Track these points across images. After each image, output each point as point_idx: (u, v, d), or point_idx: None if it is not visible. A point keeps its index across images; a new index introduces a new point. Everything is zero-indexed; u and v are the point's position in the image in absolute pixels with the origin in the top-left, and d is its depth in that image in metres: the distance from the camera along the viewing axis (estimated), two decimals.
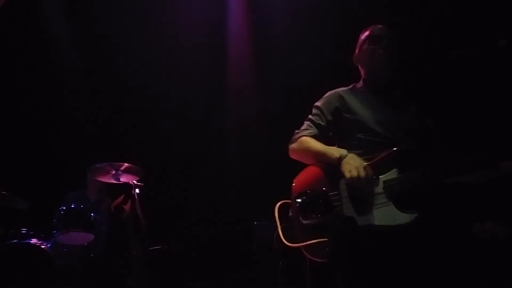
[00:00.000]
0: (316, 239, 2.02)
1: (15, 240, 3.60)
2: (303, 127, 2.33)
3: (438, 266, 2.12)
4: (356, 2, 4.12)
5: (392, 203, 2.00)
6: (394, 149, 2.08)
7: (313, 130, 2.28)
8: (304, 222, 2.07)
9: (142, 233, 4.06)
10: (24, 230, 3.69)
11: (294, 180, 2.21)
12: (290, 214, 2.16)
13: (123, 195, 4.18)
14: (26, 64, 4.73)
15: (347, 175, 2.01)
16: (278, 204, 2.22)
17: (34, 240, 3.65)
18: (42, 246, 3.65)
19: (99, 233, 4.01)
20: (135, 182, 4.10)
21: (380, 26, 2.34)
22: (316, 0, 4.42)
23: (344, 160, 2.06)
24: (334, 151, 2.13)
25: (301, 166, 2.29)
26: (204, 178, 4.97)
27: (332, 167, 2.11)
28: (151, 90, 5.03)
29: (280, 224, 2.17)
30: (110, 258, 4.00)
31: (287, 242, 2.10)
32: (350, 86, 2.36)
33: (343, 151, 2.11)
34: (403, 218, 1.97)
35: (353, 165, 2.02)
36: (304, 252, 2.06)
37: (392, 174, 2.05)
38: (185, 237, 4.64)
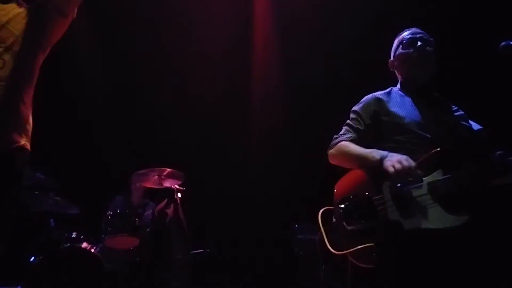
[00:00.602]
0: (361, 244, 1.98)
1: (67, 244, 3.75)
2: (341, 132, 2.30)
3: (488, 271, 2.03)
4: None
5: (438, 205, 1.93)
6: (438, 149, 2.02)
7: (352, 135, 2.25)
8: (349, 228, 2.03)
9: (185, 237, 4.14)
10: (74, 235, 3.83)
11: (335, 186, 2.18)
12: (334, 220, 2.13)
13: (166, 200, 4.28)
14: (69, 73, 4.89)
15: (390, 169, 1.95)
16: (321, 210, 2.20)
17: (84, 244, 3.78)
18: (92, 250, 3.79)
19: (143, 238, 4.11)
20: (177, 186, 4.20)
21: (414, 28, 2.31)
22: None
23: (386, 159, 2.01)
24: (375, 153, 2.09)
25: (341, 170, 2.26)
26: (244, 181, 5.00)
27: (374, 170, 2.06)
28: (187, 97, 5.09)
29: (325, 231, 2.15)
30: (155, 262, 4.08)
31: (333, 249, 2.07)
32: (388, 90, 2.33)
33: (384, 152, 2.06)
34: (451, 220, 1.90)
35: (395, 159, 1.97)
36: (350, 258, 2.03)
37: (436, 175, 1.98)
38: (227, 240, 4.68)
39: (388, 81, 2.38)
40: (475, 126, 2.26)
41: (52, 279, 3.45)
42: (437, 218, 1.91)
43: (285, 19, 4.81)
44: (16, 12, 2.04)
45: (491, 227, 2.12)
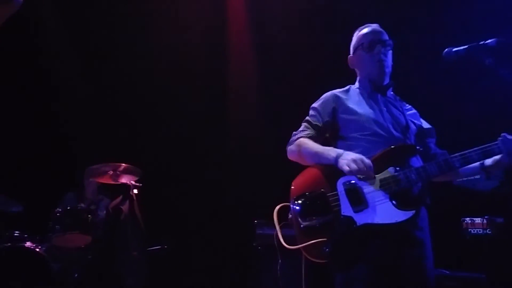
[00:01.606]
0: (315, 239, 2.02)
1: (8, 244, 3.55)
2: (300, 129, 2.34)
3: (430, 262, 2.10)
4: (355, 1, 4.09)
5: (389, 201, 2.02)
6: (390, 147, 2.11)
7: (310, 132, 2.29)
8: (303, 223, 2.07)
9: (140, 234, 4.03)
10: (17, 233, 3.64)
11: (292, 183, 2.22)
12: (290, 216, 2.16)
13: (121, 196, 4.16)
14: (20, 63, 4.69)
15: (345, 168, 2.02)
16: (277, 207, 2.21)
17: (28, 243, 3.59)
18: (37, 249, 3.60)
19: (96, 235, 3.97)
20: (133, 182, 4.09)
21: (373, 27, 2.36)
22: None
23: (341, 157, 2.07)
24: (331, 151, 2.15)
25: (301, 166, 2.28)
26: (204, 177, 4.94)
27: (329, 167, 2.12)
28: (149, 89, 4.99)
29: (281, 227, 2.17)
30: (109, 260, 3.95)
31: (288, 244, 2.09)
32: (346, 87, 2.38)
33: (339, 150, 2.12)
34: (400, 215, 1.99)
35: (350, 158, 2.04)
36: (304, 253, 2.07)
37: (388, 172, 2.07)
38: (184, 236, 4.60)
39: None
40: (426, 125, 2.37)
41: None
42: (387, 214, 2.01)
43: (259, 15, 4.81)
44: None
45: (432, 220, 2.20)
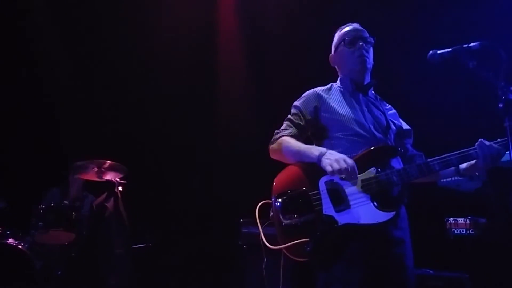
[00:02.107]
0: (296, 238, 2.01)
1: None
2: (282, 127, 2.32)
3: (411, 261, 2.11)
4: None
5: (370, 201, 2.02)
6: (372, 148, 2.11)
7: (293, 130, 2.28)
8: (285, 222, 2.06)
9: (125, 231, 4.00)
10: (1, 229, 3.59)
11: (274, 180, 2.20)
12: (271, 214, 2.14)
13: (105, 193, 4.12)
14: (8, 57, 4.63)
15: (328, 168, 2.01)
16: (259, 204, 2.20)
17: (10, 240, 3.55)
18: (20, 246, 3.55)
19: (80, 232, 3.93)
20: (118, 179, 4.05)
21: (354, 25, 2.36)
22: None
23: (324, 156, 2.07)
24: (314, 150, 2.13)
25: (283, 165, 2.26)
26: (190, 176, 4.92)
27: (312, 166, 2.11)
28: (137, 86, 4.96)
29: (261, 225, 2.15)
30: (92, 257, 3.92)
31: (270, 243, 2.09)
32: (328, 86, 2.38)
33: (322, 149, 2.11)
34: (381, 216, 2.00)
35: (333, 158, 2.04)
36: (286, 252, 2.06)
37: (369, 173, 2.07)
38: (168, 234, 4.58)
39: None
40: (405, 125, 2.38)
41: None
42: (368, 214, 2.01)
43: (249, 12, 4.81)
44: None
45: (415, 221, 2.22)
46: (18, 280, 3.43)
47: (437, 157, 2.06)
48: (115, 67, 4.85)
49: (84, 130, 4.89)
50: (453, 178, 2.27)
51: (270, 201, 2.16)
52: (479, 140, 2.03)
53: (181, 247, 4.57)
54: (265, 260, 3.87)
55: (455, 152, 2.04)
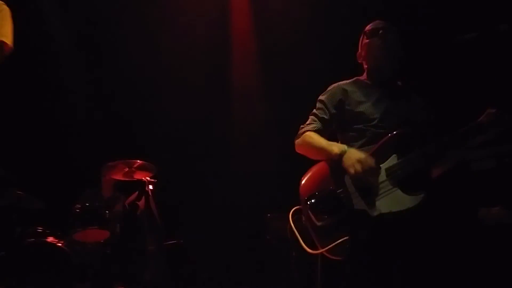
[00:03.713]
0: (334, 239, 2.04)
1: (32, 239, 3.67)
2: (307, 122, 2.36)
3: (444, 251, 2.14)
4: None
5: (398, 188, 2.04)
6: (390, 135, 2.12)
7: (317, 125, 2.31)
8: (319, 224, 2.09)
9: (157, 229, 4.12)
10: (40, 229, 3.76)
11: (300, 182, 2.24)
12: (303, 218, 2.18)
13: (137, 192, 4.24)
14: (36, 64, 4.79)
15: (351, 170, 2.05)
16: (292, 211, 2.24)
17: (50, 239, 3.72)
18: (59, 244, 3.72)
19: (114, 230, 4.07)
20: (148, 178, 4.16)
21: (377, 20, 2.38)
22: None
23: (345, 155, 2.10)
24: (335, 147, 2.16)
25: (309, 160, 2.30)
26: (216, 172, 5.00)
27: (335, 164, 2.14)
28: (161, 88, 5.05)
29: (298, 232, 2.18)
30: (126, 254, 4.05)
31: (307, 247, 2.11)
32: (353, 79, 2.39)
33: (343, 147, 2.14)
34: (411, 201, 2.01)
35: (354, 159, 2.06)
36: (326, 254, 2.09)
37: (392, 160, 2.09)
38: (200, 231, 4.68)
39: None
40: (429, 116, 2.35)
41: (18, 275, 3.38)
42: (398, 201, 2.02)
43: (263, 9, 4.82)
44: None
45: (446, 207, 2.22)
46: (58, 276, 3.58)
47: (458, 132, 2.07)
48: (138, 69, 4.94)
49: (113, 130, 5.02)
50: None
51: (300, 206, 2.20)
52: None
53: (210, 243, 4.67)
54: (294, 253, 3.95)
55: (468, 125, 2.06)
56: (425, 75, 3.35)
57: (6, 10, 2.27)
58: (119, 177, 4.26)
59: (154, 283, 3.94)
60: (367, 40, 2.32)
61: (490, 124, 2.03)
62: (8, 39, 2.21)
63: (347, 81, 2.38)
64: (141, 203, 4.20)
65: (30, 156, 4.54)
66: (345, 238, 2.00)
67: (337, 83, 2.38)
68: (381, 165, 2.09)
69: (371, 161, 2.06)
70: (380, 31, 2.27)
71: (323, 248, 2.07)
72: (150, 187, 4.16)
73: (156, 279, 3.99)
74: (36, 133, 4.77)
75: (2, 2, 2.28)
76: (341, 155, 2.10)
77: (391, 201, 2.02)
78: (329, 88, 2.38)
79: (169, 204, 4.42)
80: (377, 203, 2.03)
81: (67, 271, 3.62)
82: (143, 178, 4.18)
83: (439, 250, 2.13)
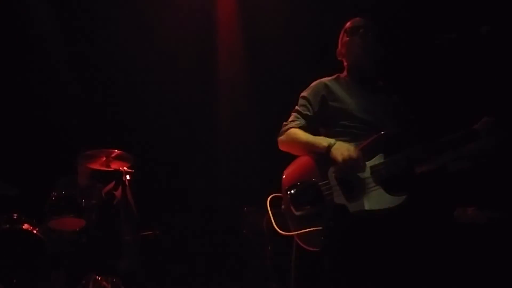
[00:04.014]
0: (309, 228, 2.05)
1: (6, 225, 3.62)
2: (290, 119, 2.35)
3: (422, 250, 2.18)
4: None
5: (380, 187, 2.05)
6: (380, 134, 2.14)
7: (301, 121, 2.30)
8: (297, 213, 2.10)
9: (133, 219, 4.12)
10: (15, 216, 3.71)
11: (284, 173, 2.24)
12: (283, 206, 2.19)
13: (114, 182, 4.21)
14: (14, 50, 4.69)
15: (338, 159, 2.05)
16: (270, 197, 2.24)
17: (26, 226, 3.67)
18: (34, 231, 3.68)
19: (90, 219, 4.05)
20: (125, 168, 4.14)
21: (357, 18, 2.40)
22: None
23: (334, 147, 2.10)
24: (322, 141, 2.17)
25: (289, 155, 2.32)
26: (194, 165, 5.03)
27: (320, 157, 2.15)
28: (142, 78, 5.03)
29: (273, 215, 2.18)
30: (102, 243, 4.04)
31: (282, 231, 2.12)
32: (334, 76, 2.40)
33: (331, 140, 2.14)
34: (392, 201, 2.02)
35: (343, 149, 2.07)
36: (299, 242, 2.11)
37: (378, 159, 2.10)
38: (174, 222, 4.71)
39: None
40: (409, 113, 2.38)
41: None
42: (379, 200, 2.03)
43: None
44: None
45: (425, 207, 2.27)
46: (33, 264, 3.55)
47: (441, 139, 2.07)
48: (123, 58, 4.90)
49: (91, 119, 4.97)
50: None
51: (279, 194, 2.21)
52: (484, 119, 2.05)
53: (186, 235, 4.70)
54: (270, 248, 4.02)
55: (462, 131, 2.06)
56: (405, 74, 3.42)
57: None
58: (96, 166, 4.21)
59: (128, 272, 3.95)
60: (347, 38, 2.33)
61: (483, 132, 2.03)
62: None
63: (329, 77, 2.38)
64: (118, 193, 4.18)
65: (5, 142, 4.44)
66: (318, 228, 2.02)
67: (319, 80, 2.38)
68: (366, 163, 2.10)
69: (359, 155, 2.06)
70: (361, 30, 2.29)
71: (298, 237, 2.09)
72: (127, 177, 4.15)
73: (130, 269, 4.00)
74: (11, 119, 4.67)
75: None
76: (329, 147, 2.09)
77: (372, 199, 2.03)
78: (311, 85, 2.38)
79: (145, 195, 4.41)
80: (358, 199, 2.04)
81: (42, 259, 3.58)
82: (121, 168, 4.15)
83: (415, 250, 2.11)
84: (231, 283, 4.17)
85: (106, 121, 4.99)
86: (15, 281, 3.38)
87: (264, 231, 3.91)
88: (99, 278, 3.58)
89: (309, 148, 2.21)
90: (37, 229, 3.72)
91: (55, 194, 3.94)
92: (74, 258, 3.83)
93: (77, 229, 3.95)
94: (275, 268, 3.92)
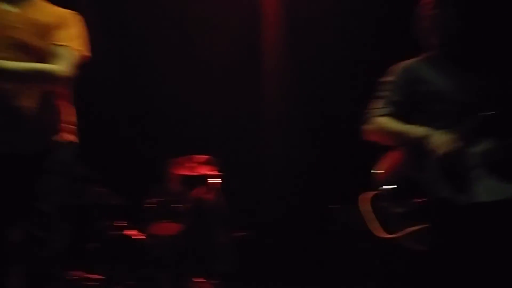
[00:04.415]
0: (412, 226, 1.90)
1: (114, 232, 3.91)
2: (376, 106, 2.18)
3: None
4: None
5: (489, 176, 1.85)
6: (481, 115, 1.91)
7: (388, 108, 2.13)
8: (397, 211, 1.96)
9: (225, 221, 4.24)
10: (120, 223, 3.98)
11: (377, 168, 2.10)
12: (380, 204, 2.05)
13: (204, 186, 4.39)
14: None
15: (439, 153, 1.88)
16: (364, 194, 2.11)
17: (131, 232, 3.93)
18: (138, 237, 3.93)
19: (186, 223, 4.23)
20: (213, 173, 4.31)
21: None
22: None
23: (430, 138, 1.93)
24: (416, 129, 2.00)
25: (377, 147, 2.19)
26: (282, 165, 5.03)
27: (417, 147, 1.97)
28: (215, 87, 5.10)
29: (375, 215, 2.05)
30: (198, 246, 4.20)
31: (386, 233, 1.99)
32: (419, 57, 2.20)
33: (426, 129, 1.97)
34: (505, 190, 1.81)
35: (441, 141, 1.90)
36: (401, 242, 1.96)
37: (486, 144, 1.90)
38: (266, 223, 4.76)
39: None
40: (506, 88, 2.09)
41: (107, 265, 3.62)
42: (491, 190, 1.83)
43: None
44: None
45: None
46: (138, 267, 3.78)
47: None
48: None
49: (178, 128, 5.17)
50: None
51: (375, 192, 2.06)
52: None
53: (276, 234, 4.73)
54: (361, 248, 3.91)
55: None
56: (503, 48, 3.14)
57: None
58: (186, 172, 4.42)
59: (225, 274, 4.06)
60: (436, 11, 2.10)
61: None
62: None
63: (413, 59, 2.19)
64: (208, 196, 4.34)
65: (104, 155, 4.74)
66: (425, 226, 1.86)
67: (403, 62, 2.19)
68: (472, 149, 1.90)
69: (460, 144, 1.89)
70: (441, 3, 2.08)
71: (397, 235, 1.93)
72: (216, 180, 4.30)
73: (227, 271, 4.11)
74: (112, 137, 4.97)
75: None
76: (425, 138, 1.93)
77: (483, 190, 1.82)
78: (394, 69, 2.19)
79: (235, 197, 4.51)
80: (465, 191, 1.84)
81: (146, 263, 3.81)
82: (209, 172, 4.32)
83: None
84: (325, 282, 4.12)
85: (192, 128, 5.14)
86: (126, 283, 3.61)
87: (356, 230, 3.82)
88: (200, 280, 3.73)
89: (402, 137, 2.04)
90: (142, 234, 3.96)
91: (152, 200, 4.17)
92: (174, 261, 4.01)
93: (175, 234, 4.14)
94: (370, 268, 3.81)
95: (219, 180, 4.28)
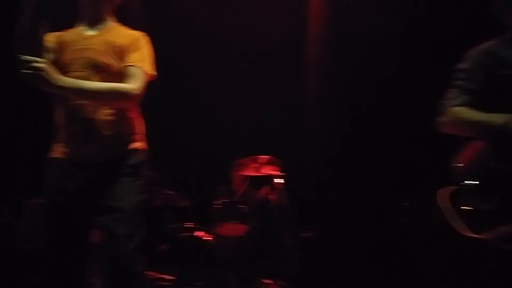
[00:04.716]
0: (503, 224, 1.80)
1: (183, 234, 4.00)
2: (451, 96, 2.06)
3: None
4: None
5: None
6: None
7: (464, 97, 2.02)
8: (483, 208, 1.86)
9: (290, 221, 4.21)
10: (189, 225, 4.07)
11: (456, 161, 1.99)
12: (461, 200, 1.94)
13: (268, 186, 4.39)
14: None
15: None
16: (443, 190, 2.01)
17: (200, 233, 4.00)
18: (207, 238, 3.99)
19: (251, 223, 4.25)
20: (277, 173, 4.29)
21: None
22: None
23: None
24: (497, 118, 1.88)
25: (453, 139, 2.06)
26: (348, 165, 4.93)
27: (499, 137, 1.86)
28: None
29: (456, 212, 1.93)
30: (265, 247, 4.21)
31: (471, 232, 1.87)
32: (497, 40, 2.07)
33: (507, 116, 1.85)
34: None
35: None
36: (492, 242, 1.85)
37: None
38: (333, 223, 4.68)
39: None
40: None
41: (179, 266, 3.72)
42: None
43: None
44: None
45: None
46: (207, 267, 3.85)
47: None
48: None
49: (239, 129, 5.22)
50: None
51: (453, 187, 1.98)
52: None
53: (344, 234, 4.63)
54: (438, 247, 3.72)
55: None
56: None
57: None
58: (249, 172, 4.45)
59: (293, 275, 4.03)
60: None
61: None
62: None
63: (489, 42, 2.06)
64: (273, 197, 4.33)
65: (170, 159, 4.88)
66: None
67: (479, 47, 2.07)
68: None
69: None
70: None
71: (485, 234, 1.82)
72: (280, 180, 4.28)
73: (294, 272, 4.07)
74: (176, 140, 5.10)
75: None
76: (507, 125, 1.82)
77: None
78: (470, 54, 2.07)
79: (300, 197, 4.48)
80: None
81: (215, 263, 3.87)
82: (273, 173, 4.32)
83: None
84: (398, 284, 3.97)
85: (252, 129, 5.17)
86: (196, 284, 3.68)
87: (431, 228, 3.63)
88: (268, 282, 3.72)
89: (482, 128, 1.93)
90: (210, 236, 4.03)
91: (218, 202, 4.23)
92: (242, 262, 4.04)
93: (242, 234, 4.17)
94: (450, 270, 3.61)
95: (282, 180, 4.24)
